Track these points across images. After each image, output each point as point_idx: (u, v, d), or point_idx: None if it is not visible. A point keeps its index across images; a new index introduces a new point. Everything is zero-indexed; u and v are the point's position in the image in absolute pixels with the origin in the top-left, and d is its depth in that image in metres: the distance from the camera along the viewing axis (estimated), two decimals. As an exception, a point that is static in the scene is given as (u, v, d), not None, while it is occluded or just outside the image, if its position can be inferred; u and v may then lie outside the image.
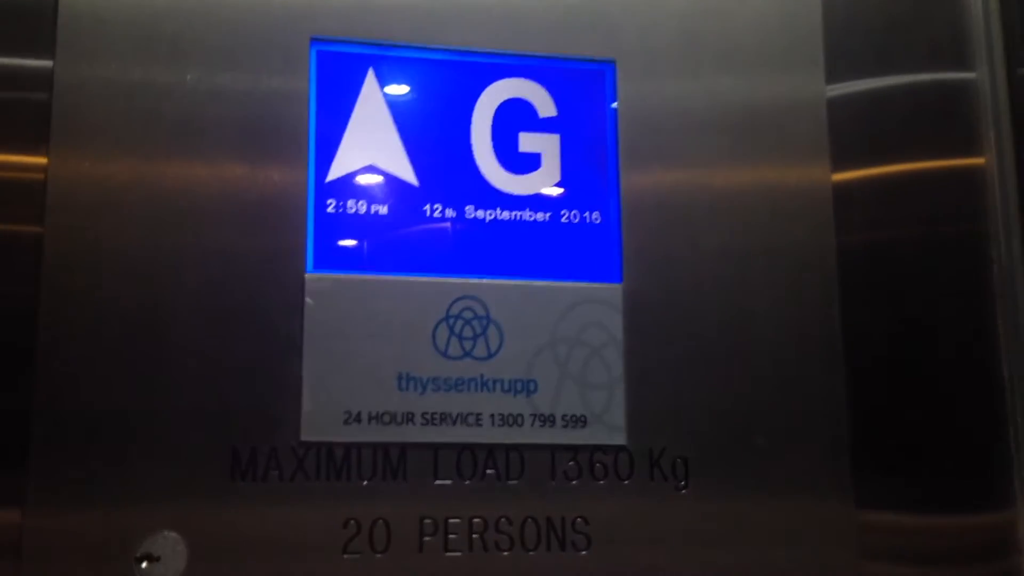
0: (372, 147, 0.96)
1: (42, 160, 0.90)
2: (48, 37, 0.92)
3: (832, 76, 1.07)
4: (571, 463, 0.95)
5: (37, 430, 0.86)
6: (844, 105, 1.07)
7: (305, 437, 0.90)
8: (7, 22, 0.92)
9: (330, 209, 0.94)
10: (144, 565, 0.85)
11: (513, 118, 0.99)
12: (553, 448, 0.95)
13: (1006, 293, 1.07)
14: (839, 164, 1.05)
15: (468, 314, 0.95)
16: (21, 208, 0.90)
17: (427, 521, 0.91)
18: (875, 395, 1.02)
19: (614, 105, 1.01)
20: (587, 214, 0.99)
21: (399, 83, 0.98)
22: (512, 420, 0.94)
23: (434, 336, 0.94)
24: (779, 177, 1.04)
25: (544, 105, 1.00)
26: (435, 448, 0.93)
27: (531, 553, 0.93)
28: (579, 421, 0.95)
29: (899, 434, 1.02)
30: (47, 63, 0.91)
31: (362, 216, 0.95)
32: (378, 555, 0.90)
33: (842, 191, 1.05)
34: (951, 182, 1.09)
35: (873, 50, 1.09)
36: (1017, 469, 1.04)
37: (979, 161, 1.09)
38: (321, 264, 0.93)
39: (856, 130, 1.07)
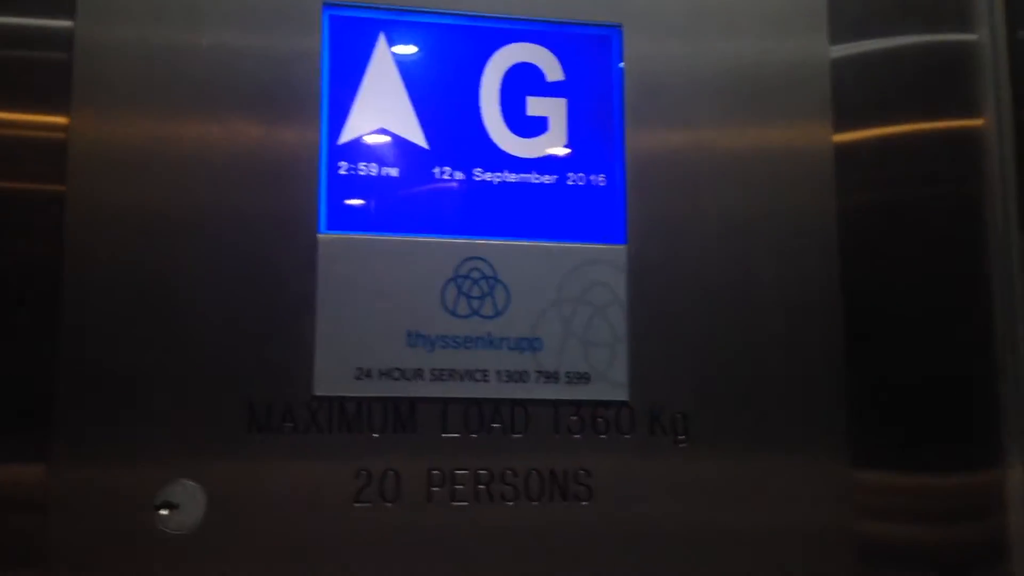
0: (383, 110, 0.97)
1: (63, 120, 0.91)
2: None
3: (835, 37, 1.07)
4: (574, 418, 0.97)
5: (60, 387, 0.88)
6: (847, 66, 1.07)
7: (318, 392, 0.92)
8: None
9: (342, 171, 0.96)
10: (163, 513, 0.88)
11: (521, 82, 1.00)
12: (557, 403, 0.96)
13: (1001, 253, 1.07)
14: (840, 125, 1.05)
15: (476, 274, 0.96)
16: (44, 167, 0.91)
17: (435, 472, 0.93)
18: (871, 355, 1.03)
19: (621, 65, 1.02)
20: (593, 177, 1.01)
21: (409, 47, 0.99)
22: (518, 376, 0.96)
23: (443, 295, 0.95)
24: (781, 139, 1.05)
25: (552, 69, 1.01)
26: (443, 403, 0.94)
27: (535, 504, 0.94)
28: (582, 378, 0.97)
29: (894, 394, 1.03)
30: (68, 23, 0.92)
31: (373, 178, 0.96)
32: (388, 504, 0.92)
33: (843, 152, 1.05)
34: (951, 143, 1.09)
35: (876, 11, 1.09)
36: (1007, 429, 1.05)
37: (978, 123, 1.09)
38: (333, 225, 0.95)
39: (858, 91, 1.07)
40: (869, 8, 1.09)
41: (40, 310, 0.89)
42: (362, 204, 0.96)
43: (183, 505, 0.88)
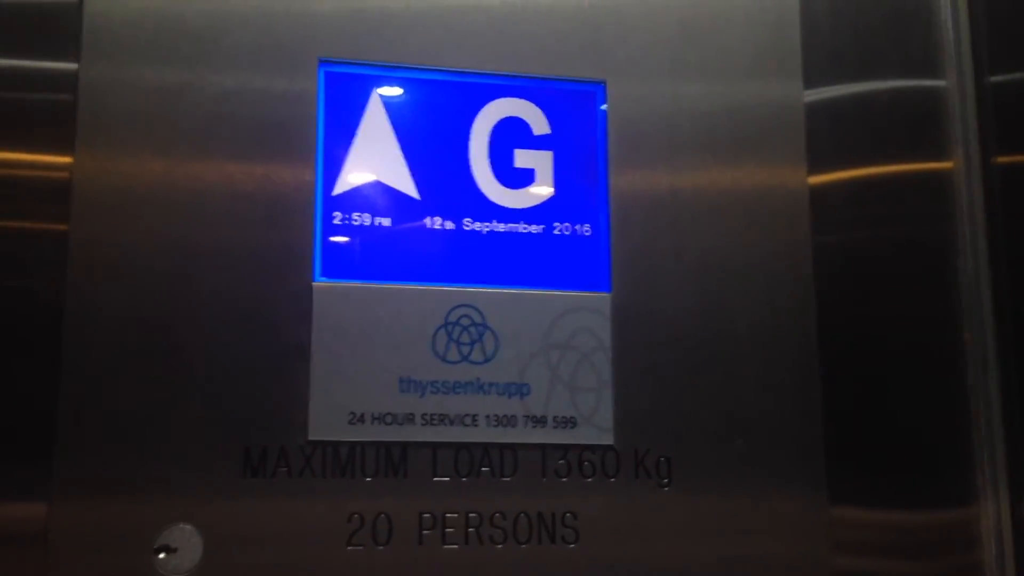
0: (376, 162, 0.99)
1: (67, 160, 0.92)
2: (73, 41, 0.94)
3: (810, 83, 1.09)
4: (561, 461, 0.98)
5: (62, 426, 0.88)
6: (821, 110, 1.09)
7: (312, 436, 0.93)
8: (35, 27, 0.94)
9: (336, 221, 0.98)
10: (161, 556, 0.88)
11: (509, 135, 1.02)
12: (544, 447, 0.97)
13: (972, 294, 1.09)
14: (815, 168, 1.07)
15: (465, 321, 0.98)
16: (47, 206, 0.92)
17: (426, 516, 0.94)
18: (848, 395, 1.04)
19: (604, 118, 1.04)
20: (578, 226, 1.02)
21: (402, 102, 1.01)
22: (506, 421, 0.97)
23: (434, 342, 0.97)
24: (758, 183, 1.06)
25: (538, 123, 1.03)
26: (434, 447, 0.95)
27: (523, 546, 0.95)
28: (569, 422, 0.98)
29: (871, 433, 1.05)
30: (72, 66, 0.94)
31: (366, 227, 0.98)
32: (380, 547, 0.92)
33: (818, 195, 1.07)
34: (921, 186, 1.11)
35: (849, 58, 1.11)
36: (979, 467, 1.06)
37: (948, 165, 1.11)
38: (328, 272, 0.96)
39: (832, 135, 1.09)
40: (842, 54, 1.11)
41: (41, 350, 0.89)
42: (356, 253, 0.98)
43: (180, 549, 0.89)
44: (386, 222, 0.99)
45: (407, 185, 1.00)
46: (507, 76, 1.03)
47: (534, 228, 1.02)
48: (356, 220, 0.98)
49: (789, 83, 1.09)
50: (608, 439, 0.99)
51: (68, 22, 0.94)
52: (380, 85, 1.01)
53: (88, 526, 0.88)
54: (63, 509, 0.88)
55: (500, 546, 0.95)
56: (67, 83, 0.94)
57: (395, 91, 1.01)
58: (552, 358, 0.99)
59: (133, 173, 0.93)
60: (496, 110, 1.03)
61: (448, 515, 0.95)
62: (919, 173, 1.11)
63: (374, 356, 0.95)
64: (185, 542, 0.89)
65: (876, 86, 1.12)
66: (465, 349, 0.98)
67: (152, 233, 0.93)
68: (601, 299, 1.01)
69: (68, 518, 0.88)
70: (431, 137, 1.01)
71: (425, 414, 0.96)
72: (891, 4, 1.14)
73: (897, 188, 1.11)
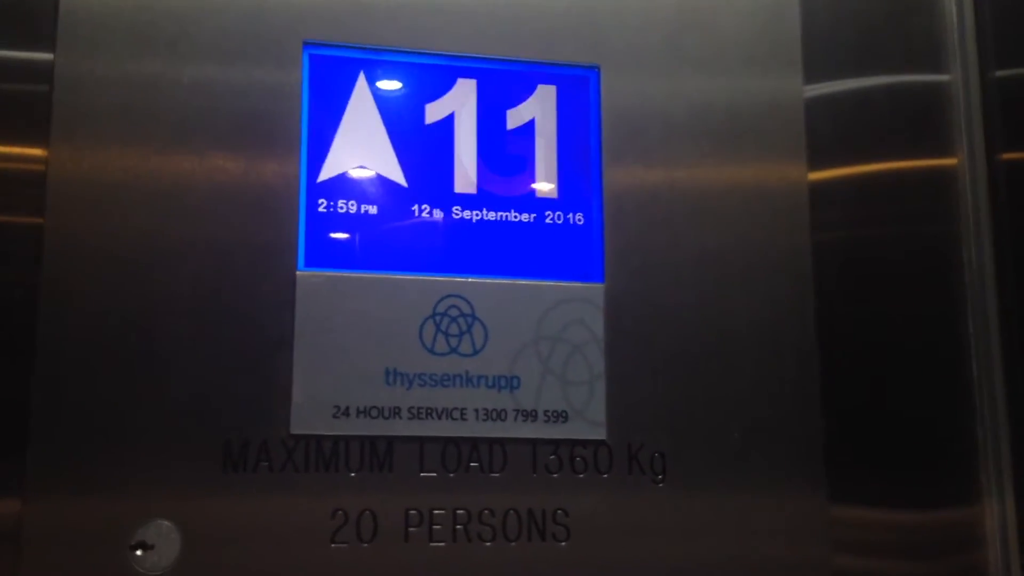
0: (363, 148, 0.98)
1: (42, 152, 0.91)
2: (49, 31, 0.92)
3: (810, 77, 1.08)
4: (552, 457, 0.97)
5: (36, 421, 0.87)
6: (821, 106, 1.08)
7: (295, 430, 0.92)
8: (9, 15, 0.93)
9: (321, 208, 0.96)
10: (139, 553, 0.87)
11: (500, 121, 1.01)
12: (535, 442, 0.96)
13: (976, 292, 1.08)
14: (815, 164, 1.07)
15: (454, 312, 0.97)
16: (22, 199, 0.91)
17: (412, 512, 0.93)
18: (848, 392, 1.04)
19: (598, 102, 1.03)
20: (571, 215, 1.01)
21: (389, 86, 0.99)
22: (496, 415, 0.96)
23: (421, 333, 0.96)
24: (757, 177, 1.05)
25: (530, 108, 1.02)
26: (421, 441, 0.94)
27: (513, 544, 0.94)
28: (560, 416, 0.97)
29: (871, 431, 1.04)
30: (48, 56, 0.92)
31: (352, 215, 0.97)
32: (365, 545, 0.91)
33: (818, 191, 1.06)
34: (924, 182, 1.10)
35: (850, 52, 1.11)
36: (983, 466, 1.05)
37: (951, 162, 1.11)
38: (312, 262, 0.95)
39: (832, 130, 1.08)
40: (843, 49, 1.11)
41: (16, 343, 0.88)
42: (341, 241, 0.96)
43: (158, 546, 0.87)
44: (373, 210, 0.97)
45: (394, 172, 0.99)
46: (498, 60, 1.02)
47: (525, 217, 1.01)
48: (342, 208, 0.97)
49: (789, 76, 1.08)
50: (600, 434, 0.98)
51: (43, 10, 0.93)
52: (367, 69, 0.99)
53: (63, 523, 0.87)
54: (37, 505, 0.86)
55: (489, 544, 0.94)
56: (42, 73, 0.92)
57: (382, 75, 1.00)
58: (543, 350, 0.98)
59: (110, 164, 0.92)
60: (486, 94, 1.01)
61: (435, 512, 0.93)
62: (922, 169, 1.11)
63: (359, 347, 0.94)
64: (163, 539, 0.88)
65: (878, 80, 1.11)
66: (454, 341, 0.96)
67: (129, 224, 0.91)
68: (594, 290, 1.00)
69: (42, 514, 0.86)
70: (419, 122, 1.00)
71: (412, 407, 0.95)
72: (894, -4, 1.13)
73: (899, 184, 1.10)
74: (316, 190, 0.96)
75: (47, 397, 0.88)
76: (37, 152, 0.91)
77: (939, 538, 1.04)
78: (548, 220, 1.01)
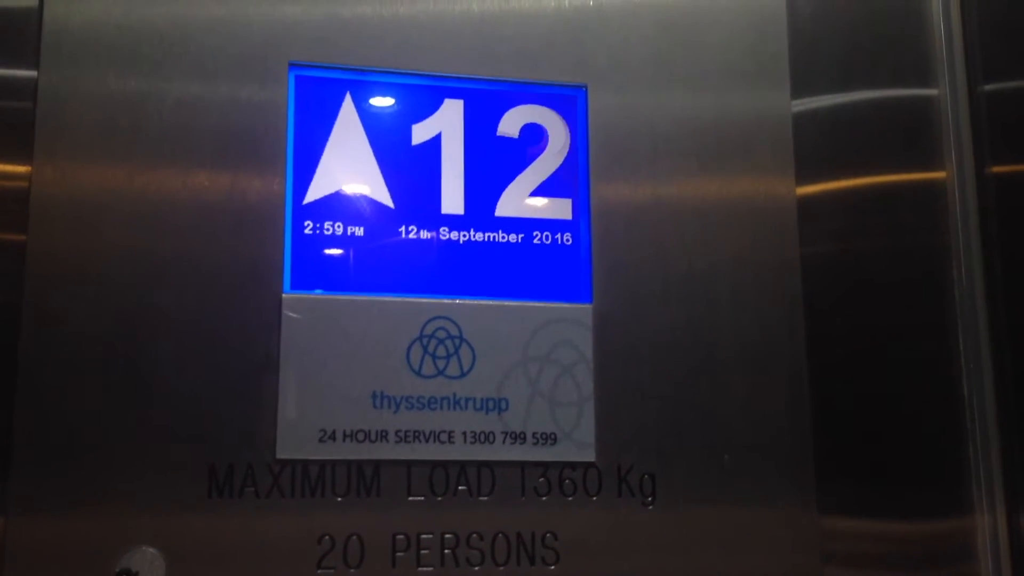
0: (349, 169, 0.97)
1: (26, 169, 0.90)
2: (33, 48, 0.92)
3: (797, 92, 1.08)
4: (541, 479, 0.96)
5: (19, 442, 0.86)
6: (809, 120, 1.08)
7: (281, 454, 0.91)
8: None
9: (308, 230, 0.95)
10: None
11: (487, 141, 1.00)
12: (523, 465, 0.96)
13: (966, 305, 1.08)
14: (803, 179, 1.06)
15: (441, 334, 0.96)
16: (5, 216, 0.90)
17: (400, 537, 0.92)
18: (838, 406, 1.03)
19: (585, 121, 1.03)
20: (559, 236, 1.01)
21: (376, 107, 0.99)
22: (484, 437, 0.95)
23: (408, 355, 0.95)
24: (745, 192, 1.05)
25: (517, 128, 1.01)
26: (408, 465, 0.93)
27: (501, 568, 0.93)
28: (549, 438, 0.96)
29: (862, 444, 1.04)
30: (31, 73, 0.92)
31: (339, 237, 0.96)
32: (352, 570, 0.90)
33: (806, 206, 1.06)
34: (913, 196, 1.11)
35: (838, 67, 1.11)
36: (975, 478, 1.05)
37: (940, 175, 1.11)
38: (298, 284, 0.94)
39: (820, 145, 1.08)
40: (830, 63, 1.11)
41: (-1, 362, 0.87)
42: (327, 263, 0.95)
43: (142, 572, 0.86)
44: (359, 231, 0.97)
45: (381, 193, 0.98)
46: (484, 80, 1.02)
47: (513, 237, 1.00)
48: (328, 229, 0.96)
49: (776, 91, 1.08)
50: (589, 455, 0.97)
51: (27, 27, 0.93)
52: (353, 89, 0.99)
53: (45, 547, 0.86)
54: (18, 529, 0.86)
55: (477, 568, 0.93)
56: (26, 90, 0.92)
57: (369, 96, 0.99)
58: (531, 372, 0.97)
59: (94, 182, 0.92)
60: (474, 114, 1.01)
61: (423, 536, 0.93)
62: (910, 183, 1.11)
63: (346, 370, 0.93)
64: (147, 565, 0.87)
65: (866, 95, 1.11)
66: (441, 363, 0.96)
67: (113, 244, 0.91)
68: (582, 310, 0.99)
69: (23, 538, 0.86)
70: (406, 143, 0.99)
71: (399, 430, 0.94)
72: (881, 11, 1.13)
73: (888, 198, 1.10)
74: (302, 212, 0.96)
75: (30, 417, 0.87)
76: (20, 169, 0.91)
77: (932, 550, 1.04)
78: (536, 240, 1.00)
